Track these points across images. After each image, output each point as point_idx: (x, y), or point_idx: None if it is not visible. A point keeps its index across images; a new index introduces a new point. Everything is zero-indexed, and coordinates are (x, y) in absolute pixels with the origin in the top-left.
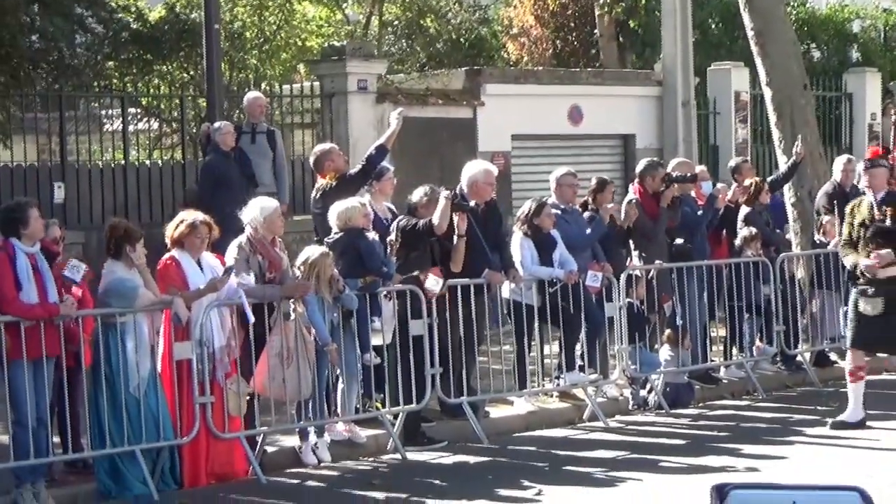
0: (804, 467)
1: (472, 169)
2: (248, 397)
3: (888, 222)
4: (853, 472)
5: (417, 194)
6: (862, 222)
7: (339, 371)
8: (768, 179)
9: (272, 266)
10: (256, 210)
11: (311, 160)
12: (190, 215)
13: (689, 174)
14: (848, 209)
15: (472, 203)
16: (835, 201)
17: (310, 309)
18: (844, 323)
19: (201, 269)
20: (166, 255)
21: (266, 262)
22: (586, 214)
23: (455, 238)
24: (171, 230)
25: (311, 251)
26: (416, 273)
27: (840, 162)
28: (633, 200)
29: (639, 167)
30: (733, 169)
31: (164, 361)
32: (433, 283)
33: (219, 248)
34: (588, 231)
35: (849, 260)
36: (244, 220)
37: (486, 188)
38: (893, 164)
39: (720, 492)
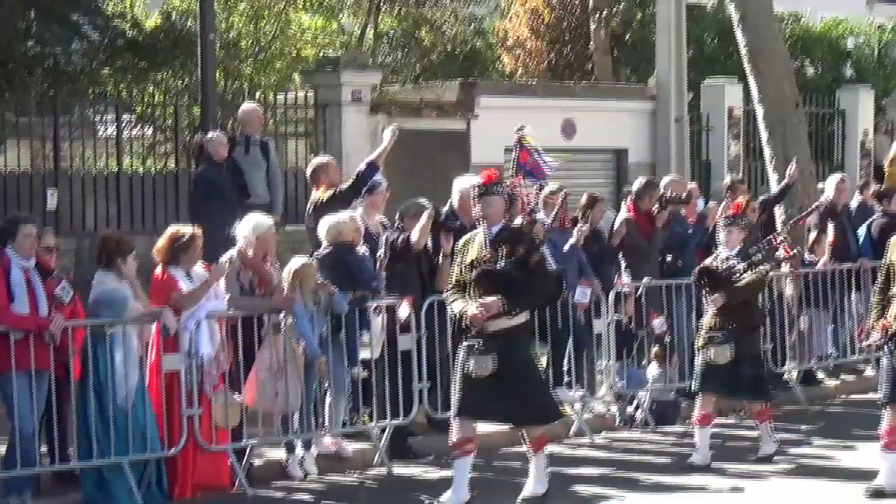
0: (787, 487)
1: (462, 184)
2: (239, 409)
3: (501, 263)
4: (835, 492)
5: (406, 206)
6: (472, 262)
7: (327, 384)
8: (759, 199)
9: (262, 282)
10: (249, 227)
11: (308, 172)
12: (183, 229)
13: (682, 195)
14: (460, 244)
15: (458, 222)
16: (826, 219)
17: (299, 321)
18: (832, 340)
19: (192, 281)
20: (159, 269)
21: (256, 278)
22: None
23: (440, 257)
24: (166, 245)
25: (295, 262)
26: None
27: (833, 180)
28: (627, 219)
29: (636, 185)
30: (727, 187)
31: (151, 373)
32: (403, 311)
33: (210, 259)
34: (565, 249)
35: (455, 307)
36: (237, 235)
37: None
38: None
39: None
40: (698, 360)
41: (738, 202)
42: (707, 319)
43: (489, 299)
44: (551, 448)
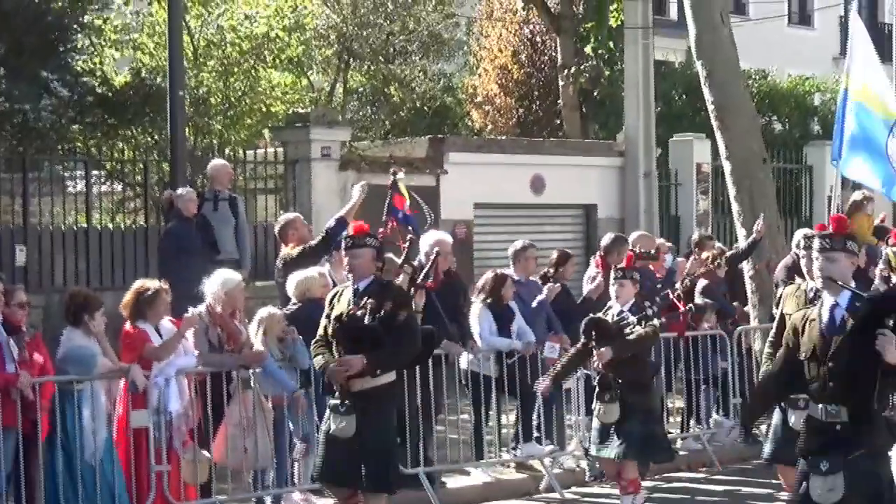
0: None
1: (429, 241)
2: (208, 465)
3: (367, 318)
4: None
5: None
6: (339, 316)
7: (296, 439)
8: (727, 254)
9: (231, 338)
10: (218, 283)
11: (276, 229)
12: (150, 283)
13: (651, 251)
14: (329, 296)
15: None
16: (794, 274)
17: (268, 366)
18: None
19: (160, 336)
20: (128, 325)
21: (225, 334)
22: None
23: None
24: (132, 300)
25: (261, 311)
26: None
27: (799, 235)
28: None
29: (605, 241)
30: (695, 242)
31: (120, 429)
32: None
33: (179, 315)
34: (533, 305)
35: (316, 362)
36: (205, 291)
37: (443, 259)
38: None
39: None
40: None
41: (629, 254)
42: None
43: (350, 357)
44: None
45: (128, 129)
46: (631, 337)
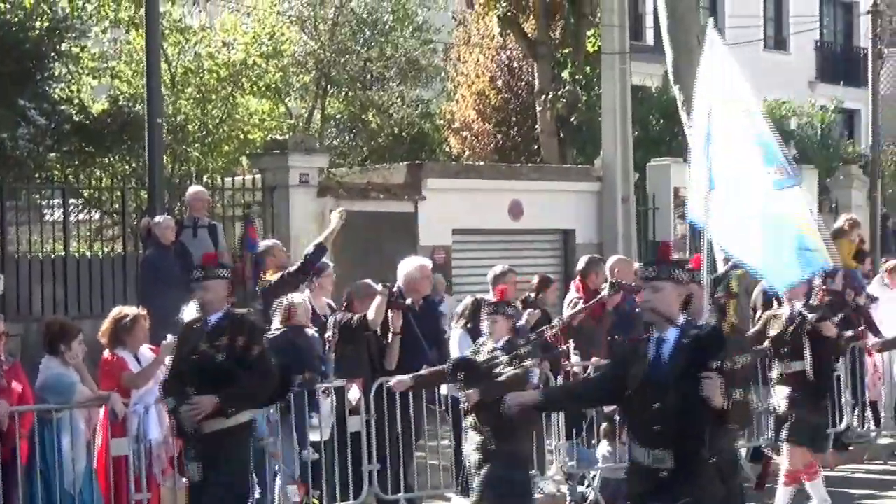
0: None
1: (408, 266)
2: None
3: (220, 356)
4: None
5: (355, 288)
6: (190, 353)
7: (276, 468)
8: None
9: None
10: (195, 311)
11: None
12: (128, 310)
13: (634, 284)
14: (181, 330)
15: (408, 300)
16: (771, 297)
17: None
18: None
19: (139, 363)
20: (106, 352)
21: None
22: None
23: (390, 336)
24: (110, 327)
25: None
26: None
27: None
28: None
29: (580, 265)
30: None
31: (100, 458)
32: (354, 394)
33: (158, 343)
34: None
35: (168, 403)
36: (184, 319)
37: (422, 284)
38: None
39: None
40: None
41: (502, 287)
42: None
43: (202, 398)
44: None
45: (105, 157)
46: (501, 379)
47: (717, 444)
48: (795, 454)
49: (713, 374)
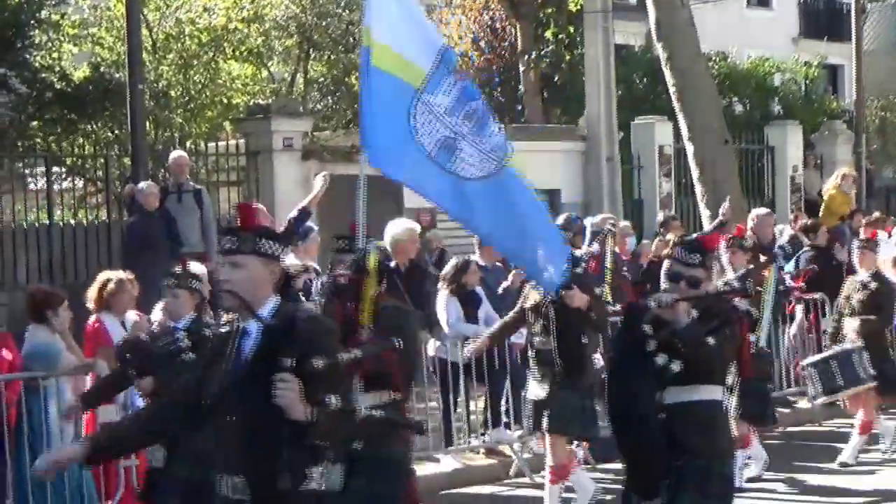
0: None
1: (394, 229)
2: None
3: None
4: None
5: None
6: None
7: None
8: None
9: None
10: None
11: (238, 220)
12: (114, 274)
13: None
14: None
15: (393, 262)
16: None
17: None
18: None
19: (125, 329)
20: (92, 318)
21: None
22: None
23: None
24: (97, 291)
25: None
26: None
27: (753, 214)
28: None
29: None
30: (661, 223)
31: (87, 425)
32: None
33: (142, 309)
34: (499, 291)
35: None
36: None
37: (409, 247)
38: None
39: None
40: None
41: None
42: None
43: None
44: (492, 489)
45: (88, 125)
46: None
47: (301, 472)
48: (558, 444)
49: (288, 374)
